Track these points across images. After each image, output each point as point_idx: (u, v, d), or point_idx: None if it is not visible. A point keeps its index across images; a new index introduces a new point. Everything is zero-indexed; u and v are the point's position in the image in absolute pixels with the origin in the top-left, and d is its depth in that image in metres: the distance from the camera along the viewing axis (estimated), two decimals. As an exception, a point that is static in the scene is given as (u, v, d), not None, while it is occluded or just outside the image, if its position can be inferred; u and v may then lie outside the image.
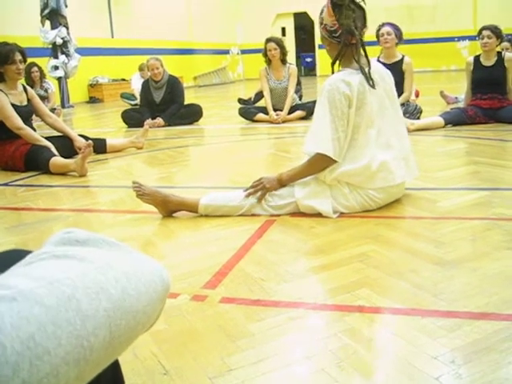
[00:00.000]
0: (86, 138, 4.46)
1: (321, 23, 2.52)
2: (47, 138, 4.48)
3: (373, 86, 2.45)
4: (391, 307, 1.56)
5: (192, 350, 1.41)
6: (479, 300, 1.56)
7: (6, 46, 4.19)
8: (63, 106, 10.69)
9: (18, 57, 4.15)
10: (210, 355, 1.37)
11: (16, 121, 4.15)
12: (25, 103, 4.35)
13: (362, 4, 2.46)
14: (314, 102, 6.54)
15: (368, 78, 2.45)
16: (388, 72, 2.65)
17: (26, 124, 4.28)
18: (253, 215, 2.57)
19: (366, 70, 2.46)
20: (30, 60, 8.28)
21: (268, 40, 6.40)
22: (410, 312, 1.52)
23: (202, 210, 2.66)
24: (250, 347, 1.39)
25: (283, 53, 6.38)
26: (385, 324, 1.49)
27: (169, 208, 2.71)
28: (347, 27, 2.41)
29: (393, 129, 2.56)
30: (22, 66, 4.20)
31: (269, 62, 6.51)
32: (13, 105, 4.20)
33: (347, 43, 2.46)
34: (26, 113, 4.32)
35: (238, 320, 1.55)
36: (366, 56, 2.50)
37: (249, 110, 6.73)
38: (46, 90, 8.67)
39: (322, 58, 19.74)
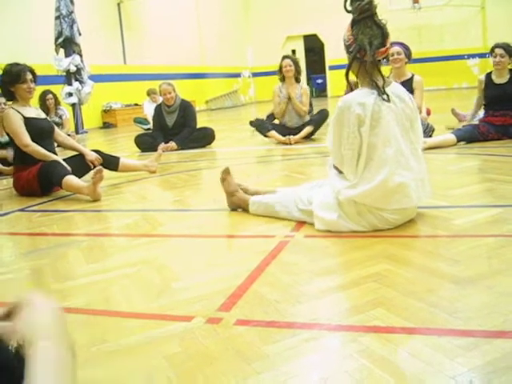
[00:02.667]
0: (100, 153, 4.51)
1: (343, 40, 2.55)
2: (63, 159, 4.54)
3: (387, 100, 2.45)
4: (407, 327, 1.55)
5: (207, 373, 1.41)
6: (496, 318, 1.54)
7: (17, 65, 4.28)
8: (77, 132, 10.81)
9: (29, 76, 4.23)
10: (226, 379, 1.37)
11: (23, 137, 4.20)
12: (43, 116, 4.44)
13: (381, 22, 2.49)
14: (319, 112, 6.62)
15: (381, 92, 2.45)
16: (410, 95, 2.65)
17: (47, 141, 4.36)
18: (266, 237, 2.58)
19: (380, 84, 2.47)
20: (44, 87, 8.50)
21: (284, 57, 6.65)
22: (426, 331, 1.51)
23: (253, 208, 2.97)
24: (265, 370, 1.39)
25: (297, 71, 6.55)
26: (401, 344, 1.47)
27: (233, 201, 3.10)
28: (360, 42, 2.45)
29: (412, 150, 2.55)
30: (32, 85, 4.27)
31: (283, 78, 6.63)
32: (30, 118, 4.27)
33: (359, 58, 2.48)
34: (48, 127, 4.40)
35: (253, 342, 1.54)
36: (381, 74, 2.51)
37: (264, 124, 6.75)
38: (60, 117, 8.80)
39: (333, 79, 19.85)
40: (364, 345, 1.46)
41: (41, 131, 4.31)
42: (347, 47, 2.53)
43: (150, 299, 1.94)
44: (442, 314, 1.60)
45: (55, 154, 4.39)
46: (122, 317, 1.82)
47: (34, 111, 4.39)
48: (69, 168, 4.14)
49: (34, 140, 4.22)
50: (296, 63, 6.55)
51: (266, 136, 6.60)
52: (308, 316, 1.68)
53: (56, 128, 4.63)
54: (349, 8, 2.50)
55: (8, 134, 4.36)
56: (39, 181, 4.14)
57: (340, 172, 2.58)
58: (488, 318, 1.55)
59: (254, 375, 1.37)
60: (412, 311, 1.65)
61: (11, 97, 4.31)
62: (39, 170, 4.13)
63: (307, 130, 6.50)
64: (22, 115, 4.24)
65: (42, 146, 4.25)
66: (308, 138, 6.57)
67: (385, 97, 2.45)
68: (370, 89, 2.49)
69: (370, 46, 2.43)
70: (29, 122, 4.25)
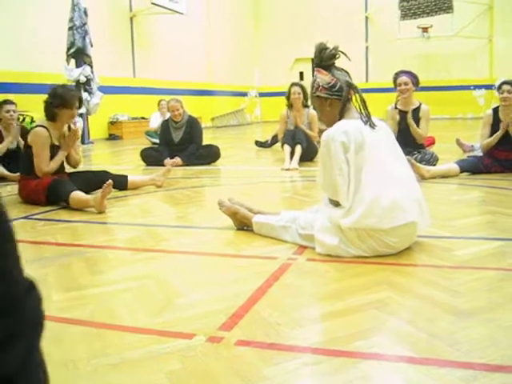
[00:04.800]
0: (109, 174, 4.55)
1: (317, 88, 2.73)
2: (71, 174, 4.59)
3: (372, 126, 2.62)
4: (407, 356, 1.56)
5: (207, 391, 1.42)
6: (495, 352, 1.56)
7: (70, 91, 4.40)
8: (83, 142, 10.87)
9: (77, 104, 4.33)
10: (226, 397, 1.38)
11: (44, 165, 4.28)
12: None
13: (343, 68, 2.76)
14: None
15: (367, 119, 2.64)
16: (386, 125, 2.82)
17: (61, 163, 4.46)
18: (268, 258, 2.60)
19: (364, 113, 2.66)
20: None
21: (294, 84, 6.79)
22: (426, 361, 1.52)
23: (256, 228, 3.03)
24: (265, 391, 1.40)
25: (305, 98, 6.66)
26: (400, 372, 1.49)
27: (238, 220, 3.16)
28: (345, 81, 2.69)
29: (401, 172, 2.65)
30: (75, 113, 4.39)
31: (290, 105, 6.70)
32: (55, 145, 4.36)
33: (347, 96, 2.69)
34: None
35: (253, 363, 1.56)
36: (364, 102, 2.69)
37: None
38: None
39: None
40: (364, 371, 1.48)
41: (54, 154, 4.39)
42: (330, 89, 2.68)
43: (152, 314, 1.96)
44: (442, 344, 1.62)
45: (62, 171, 4.50)
46: (125, 331, 1.83)
47: (59, 136, 4.46)
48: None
49: None
50: (304, 90, 6.67)
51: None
52: (309, 340, 1.70)
53: None
54: (319, 56, 2.71)
55: (25, 145, 4.42)
56: (47, 194, 4.19)
57: (336, 205, 2.63)
58: (488, 351, 1.56)
59: (253, 396, 1.38)
60: (412, 340, 1.66)
61: (52, 118, 4.35)
62: (49, 185, 4.19)
63: (298, 151, 6.39)
64: (52, 141, 4.33)
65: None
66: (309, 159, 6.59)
67: (370, 122, 2.64)
68: (349, 119, 2.66)
69: (352, 83, 2.70)
70: (52, 149, 4.35)
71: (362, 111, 2.67)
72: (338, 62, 2.76)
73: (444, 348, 1.60)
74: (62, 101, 4.26)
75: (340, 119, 2.70)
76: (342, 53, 2.72)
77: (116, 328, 1.87)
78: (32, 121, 7.81)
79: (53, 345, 1.72)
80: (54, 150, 4.35)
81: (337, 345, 1.66)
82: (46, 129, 4.30)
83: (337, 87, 2.67)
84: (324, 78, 2.70)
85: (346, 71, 2.75)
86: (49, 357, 1.63)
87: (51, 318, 1.96)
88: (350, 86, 2.69)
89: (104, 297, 2.18)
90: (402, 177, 2.63)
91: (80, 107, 4.45)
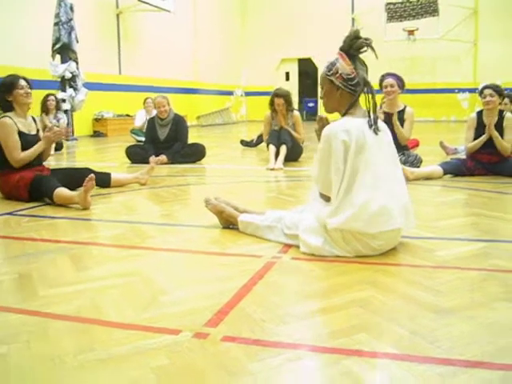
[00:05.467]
0: (91, 172, 4.53)
1: (334, 74, 2.63)
2: (53, 170, 4.56)
3: (376, 131, 2.59)
4: (389, 352, 1.59)
5: (193, 386, 1.44)
6: (475, 349, 1.60)
7: (10, 75, 4.39)
8: (67, 139, 10.81)
9: (23, 82, 4.31)
10: (211, 392, 1.40)
11: (16, 152, 4.24)
12: (33, 132, 4.45)
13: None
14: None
15: (374, 123, 2.59)
16: (385, 126, 2.78)
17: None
18: (253, 256, 2.62)
19: (372, 116, 2.60)
20: (38, 92, 8.51)
21: (276, 95, 6.72)
22: (408, 358, 1.55)
23: (242, 227, 3.04)
24: (250, 386, 1.43)
25: (289, 105, 6.72)
26: (382, 369, 1.52)
27: (223, 219, 3.18)
28: (362, 77, 2.60)
29: (394, 176, 2.65)
30: (28, 90, 4.34)
31: (274, 110, 6.78)
32: (21, 133, 4.29)
33: (360, 92, 2.63)
34: (34, 142, 4.40)
35: (238, 359, 1.58)
36: (375, 105, 2.63)
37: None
38: (58, 120, 8.82)
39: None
40: (347, 367, 1.50)
41: (28, 146, 4.33)
42: (347, 80, 2.61)
43: (138, 310, 1.97)
44: (423, 342, 1.65)
45: (41, 164, 4.47)
46: (111, 326, 1.84)
47: (27, 125, 4.42)
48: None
49: None
50: (287, 100, 6.69)
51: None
52: (293, 336, 1.72)
53: None
54: (350, 42, 2.59)
55: None
56: (29, 190, 4.17)
57: (326, 200, 2.64)
58: (468, 348, 1.60)
59: (239, 391, 1.40)
60: (394, 338, 1.70)
61: (9, 107, 4.33)
62: (31, 181, 4.17)
63: (284, 151, 6.41)
64: (17, 127, 4.29)
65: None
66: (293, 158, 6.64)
67: (374, 127, 2.60)
68: (352, 117, 2.62)
69: (368, 82, 2.63)
70: (20, 136, 4.30)
71: (371, 114, 2.62)
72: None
73: (425, 345, 1.63)
74: (6, 86, 4.29)
75: (344, 114, 2.68)
76: (372, 49, 2.59)
77: (102, 324, 1.88)
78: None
79: (39, 340, 1.73)
80: (22, 137, 4.31)
81: (321, 341, 1.68)
82: (10, 118, 4.29)
83: (354, 81, 2.61)
84: (346, 67, 2.61)
85: (366, 66, 2.66)
86: (35, 351, 1.65)
87: (37, 313, 1.97)
88: (367, 84, 2.63)
89: (89, 293, 2.18)
90: (393, 181, 2.63)
91: (30, 85, 4.38)
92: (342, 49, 2.64)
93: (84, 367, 1.55)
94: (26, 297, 2.16)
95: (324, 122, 2.83)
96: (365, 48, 2.60)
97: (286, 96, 6.72)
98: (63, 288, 2.25)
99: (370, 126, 2.59)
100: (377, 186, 2.53)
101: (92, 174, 3.94)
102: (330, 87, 2.68)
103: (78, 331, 1.82)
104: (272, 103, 6.78)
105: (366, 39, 2.59)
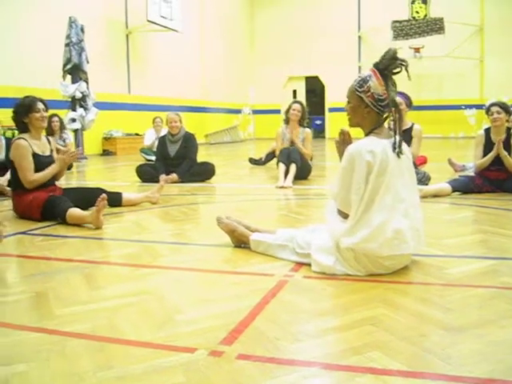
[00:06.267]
0: (103, 191, 4.59)
1: (365, 91, 2.62)
2: (65, 190, 4.63)
3: (399, 154, 2.59)
4: (402, 370, 1.62)
5: (210, 403, 1.47)
6: (485, 366, 1.62)
7: (28, 97, 4.45)
8: (77, 158, 10.90)
9: (41, 106, 4.38)
10: (228, 409, 1.44)
11: (29, 174, 4.31)
12: (47, 153, 4.52)
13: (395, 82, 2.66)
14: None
15: (398, 146, 2.59)
16: (407, 147, 2.78)
17: None
18: (265, 275, 2.66)
19: (397, 139, 2.60)
20: (49, 112, 8.65)
21: (295, 101, 7.07)
22: (420, 375, 1.58)
23: (253, 246, 3.07)
24: (265, 403, 1.46)
25: (303, 117, 6.92)
26: (395, 386, 1.55)
27: (235, 238, 3.21)
28: (393, 98, 2.60)
29: (411, 199, 2.66)
30: (45, 114, 4.41)
31: (287, 121, 6.92)
32: (36, 154, 4.37)
33: (388, 113, 2.65)
34: (48, 163, 4.47)
35: (253, 377, 1.61)
36: (400, 127, 2.64)
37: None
38: (64, 140, 8.91)
39: (332, 121, 20.15)
40: (360, 385, 1.54)
41: (43, 167, 4.41)
42: (377, 100, 2.61)
43: (153, 329, 2.01)
44: (434, 359, 1.68)
45: (53, 184, 4.53)
46: (127, 344, 1.88)
47: (42, 146, 4.50)
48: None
49: None
50: (304, 110, 6.92)
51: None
52: (307, 354, 1.75)
53: None
54: (387, 63, 2.59)
55: (9, 160, 4.46)
56: (42, 211, 4.23)
57: (344, 217, 2.67)
58: (478, 366, 1.63)
59: (255, 408, 1.44)
60: (406, 355, 1.72)
61: (24, 129, 4.42)
62: (44, 202, 4.23)
63: (293, 169, 6.50)
64: (32, 149, 4.37)
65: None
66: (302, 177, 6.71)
67: (397, 150, 2.59)
68: (377, 138, 2.62)
69: (398, 105, 2.63)
70: (34, 158, 4.37)
71: (397, 137, 2.61)
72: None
73: (436, 362, 1.66)
74: (23, 108, 4.36)
75: (369, 133, 2.67)
76: (406, 70, 2.61)
77: (118, 342, 1.91)
78: (13, 136, 7.86)
79: (58, 358, 1.77)
80: (37, 158, 4.38)
81: (334, 359, 1.72)
82: (25, 140, 4.36)
83: (384, 103, 2.61)
84: (378, 86, 2.59)
85: (396, 86, 2.65)
86: (55, 369, 1.69)
87: (54, 332, 2.01)
88: (396, 106, 2.61)
89: (104, 312, 2.22)
90: (410, 206, 2.63)
91: (46, 108, 4.46)
92: (376, 67, 2.63)
93: (103, 385, 1.59)
94: (43, 316, 2.20)
95: (346, 137, 2.82)
96: (400, 70, 2.60)
97: (302, 104, 7.00)
98: (78, 307, 2.29)
99: (394, 149, 2.59)
100: (394, 208, 2.54)
101: (104, 194, 3.99)
102: (358, 103, 2.67)
103: (96, 349, 1.85)
104: (288, 110, 6.97)
105: (403, 61, 2.60)
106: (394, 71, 2.61)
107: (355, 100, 2.67)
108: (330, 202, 2.85)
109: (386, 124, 2.73)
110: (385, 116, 2.69)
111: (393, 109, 2.62)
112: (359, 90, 2.64)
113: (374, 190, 2.53)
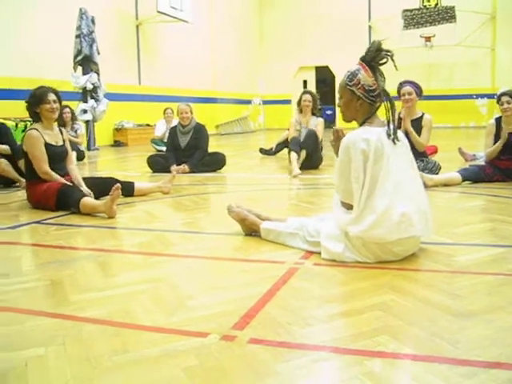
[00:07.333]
0: (116, 181, 4.65)
1: (355, 84, 2.68)
2: (84, 178, 4.68)
3: (394, 141, 2.65)
4: (410, 354, 1.66)
5: (223, 385, 1.52)
6: (494, 350, 1.65)
7: (41, 87, 4.51)
8: (89, 149, 11.02)
9: (52, 97, 4.44)
10: (240, 390, 1.48)
11: (43, 164, 4.38)
12: (60, 143, 4.58)
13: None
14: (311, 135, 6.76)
15: (393, 133, 2.65)
16: (403, 136, 2.85)
17: (61, 164, 4.51)
18: (276, 262, 2.70)
19: (392, 126, 2.66)
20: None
21: (305, 92, 7.28)
22: (428, 359, 1.62)
23: (264, 234, 3.10)
24: (277, 385, 1.50)
25: (315, 106, 7.13)
26: (403, 369, 1.59)
27: (246, 226, 3.25)
28: (383, 89, 2.68)
29: (412, 184, 2.71)
30: (55, 106, 4.46)
31: (300, 110, 7.18)
32: (49, 144, 4.43)
33: (380, 103, 2.71)
34: (61, 153, 4.54)
35: (265, 360, 1.65)
36: (393, 114, 2.70)
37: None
38: (75, 131, 8.97)
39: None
40: (369, 368, 1.57)
41: (55, 157, 4.49)
42: (368, 92, 2.67)
43: (166, 314, 2.05)
44: (443, 343, 1.71)
45: (67, 175, 4.57)
46: (141, 329, 1.93)
47: (54, 136, 4.56)
48: (88, 194, 4.33)
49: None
50: (314, 99, 7.10)
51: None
52: (317, 338, 1.79)
53: (72, 156, 4.76)
54: (373, 54, 2.66)
55: (22, 150, 4.51)
56: (56, 200, 4.28)
57: (348, 208, 2.70)
58: (486, 350, 1.66)
59: (266, 389, 1.48)
60: (415, 339, 1.76)
61: (37, 118, 4.50)
62: (58, 191, 4.29)
63: (303, 156, 6.71)
64: (44, 139, 4.42)
65: (54, 169, 4.45)
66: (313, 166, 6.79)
67: (393, 137, 2.66)
68: (370, 127, 2.69)
69: (388, 94, 2.70)
70: (47, 148, 4.44)
71: (390, 124, 2.68)
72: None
73: (445, 346, 1.69)
74: (35, 99, 4.43)
75: (363, 123, 2.74)
76: (393, 60, 2.67)
77: (133, 327, 1.96)
78: (25, 127, 7.93)
79: (74, 342, 1.82)
80: (50, 148, 4.44)
81: (344, 343, 1.75)
82: (37, 130, 4.43)
83: (375, 93, 2.68)
84: (367, 78, 2.66)
85: (384, 77, 2.72)
86: (71, 353, 1.74)
87: (70, 318, 2.06)
88: (387, 95, 2.70)
89: (119, 298, 2.27)
90: (412, 189, 2.68)
91: (60, 101, 4.52)
92: (363, 60, 2.70)
93: (119, 368, 1.64)
94: (59, 302, 2.26)
95: (340, 135, 2.89)
96: (386, 60, 2.67)
97: (313, 94, 7.17)
98: (93, 293, 2.34)
99: (389, 136, 2.65)
100: (397, 193, 2.58)
101: (118, 184, 4.04)
102: (350, 97, 2.73)
103: (111, 334, 1.90)
104: (300, 101, 7.15)
105: (388, 52, 2.66)
106: (381, 62, 2.68)
107: (347, 94, 2.74)
108: (335, 195, 2.90)
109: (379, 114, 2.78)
110: (377, 106, 2.75)
111: (384, 98, 2.70)
112: (350, 83, 2.71)
113: (373, 177, 2.58)
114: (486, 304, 2.06)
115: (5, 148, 5.83)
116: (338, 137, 2.88)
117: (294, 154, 6.58)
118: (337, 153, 2.83)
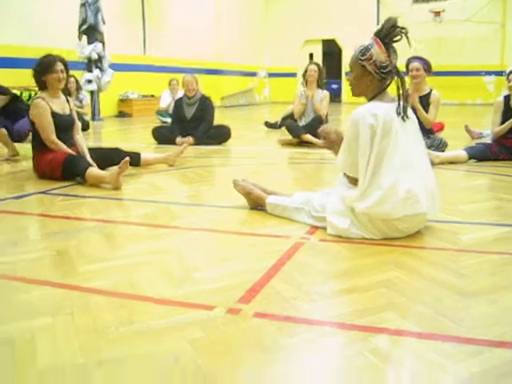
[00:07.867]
0: (121, 151, 4.64)
1: (367, 59, 2.65)
2: (90, 149, 4.67)
3: (404, 118, 2.64)
4: (414, 331, 1.67)
5: (229, 359, 1.53)
6: (498, 329, 1.66)
7: (48, 56, 4.47)
8: (93, 119, 10.97)
9: (60, 66, 4.40)
10: (247, 365, 1.50)
11: (50, 133, 4.36)
12: (67, 112, 4.56)
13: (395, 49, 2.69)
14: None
15: (403, 110, 2.64)
16: (413, 114, 2.82)
17: (67, 134, 4.49)
18: (281, 237, 2.70)
19: (402, 103, 2.64)
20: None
21: (311, 63, 7.26)
22: (432, 336, 1.63)
23: (269, 209, 3.11)
24: (282, 360, 1.51)
25: (320, 77, 7.04)
26: (407, 346, 1.60)
27: (252, 200, 3.25)
28: (395, 66, 2.66)
29: (420, 162, 2.70)
30: (62, 75, 4.43)
31: (305, 82, 7.09)
32: (55, 113, 4.41)
33: (391, 80, 2.69)
34: (68, 122, 4.52)
35: (271, 334, 1.67)
36: (404, 92, 2.67)
37: (297, 126, 6.93)
38: (80, 101, 8.92)
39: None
40: (374, 344, 1.58)
41: (62, 126, 4.46)
42: (380, 68, 2.64)
43: (172, 287, 2.07)
44: (447, 321, 1.72)
45: (73, 145, 4.54)
46: (148, 301, 1.94)
47: (61, 104, 4.53)
48: (93, 164, 4.31)
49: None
50: (320, 71, 7.03)
51: (299, 139, 6.74)
52: (322, 314, 1.81)
53: (79, 125, 4.74)
54: (387, 31, 2.62)
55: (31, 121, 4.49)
56: (63, 170, 4.28)
57: (354, 183, 2.70)
58: (490, 329, 1.67)
59: (272, 364, 1.49)
60: (419, 317, 1.77)
61: (43, 86, 4.47)
62: (64, 161, 4.28)
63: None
64: (51, 108, 4.40)
65: (61, 138, 4.42)
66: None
67: (402, 114, 2.65)
68: (380, 102, 2.67)
69: (400, 71, 2.69)
70: (53, 117, 4.41)
71: (401, 102, 2.65)
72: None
73: (449, 324, 1.70)
74: (42, 67, 4.40)
75: (372, 98, 2.72)
76: (407, 38, 2.63)
77: (139, 298, 1.98)
78: (29, 96, 7.90)
79: (81, 312, 1.84)
80: (57, 117, 4.42)
81: (348, 319, 1.76)
82: (43, 99, 4.40)
83: (387, 70, 2.64)
84: (381, 54, 2.62)
85: (396, 54, 2.68)
86: (79, 323, 1.75)
87: (77, 288, 2.08)
88: (398, 73, 2.68)
89: (125, 269, 2.28)
90: (419, 166, 2.67)
91: (67, 69, 4.48)
92: (377, 35, 2.65)
93: (125, 339, 1.66)
94: (66, 272, 2.28)
95: (331, 135, 3.00)
96: (400, 37, 2.62)
97: (319, 66, 7.11)
98: (100, 264, 2.36)
99: (398, 114, 2.63)
100: (403, 169, 2.58)
101: (127, 157, 4.03)
102: (361, 72, 2.70)
103: (117, 305, 1.92)
104: (305, 72, 7.09)
105: (403, 29, 2.62)
106: (395, 39, 2.64)
107: (358, 69, 2.71)
108: (339, 175, 2.89)
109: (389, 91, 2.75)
110: (387, 83, 2.71)
111: (395, 75, 2.68)
112: (362, 58, 2.67)
113: (380, 153, 2.57)
114: (490, 283, 2.07)
115: None
116: (331, 139, 2.99)
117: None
118: (336, 152, 2.86)
